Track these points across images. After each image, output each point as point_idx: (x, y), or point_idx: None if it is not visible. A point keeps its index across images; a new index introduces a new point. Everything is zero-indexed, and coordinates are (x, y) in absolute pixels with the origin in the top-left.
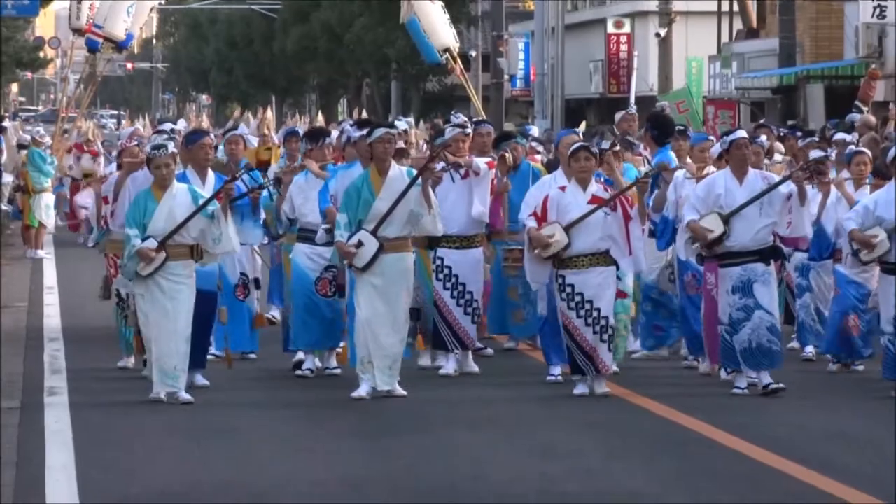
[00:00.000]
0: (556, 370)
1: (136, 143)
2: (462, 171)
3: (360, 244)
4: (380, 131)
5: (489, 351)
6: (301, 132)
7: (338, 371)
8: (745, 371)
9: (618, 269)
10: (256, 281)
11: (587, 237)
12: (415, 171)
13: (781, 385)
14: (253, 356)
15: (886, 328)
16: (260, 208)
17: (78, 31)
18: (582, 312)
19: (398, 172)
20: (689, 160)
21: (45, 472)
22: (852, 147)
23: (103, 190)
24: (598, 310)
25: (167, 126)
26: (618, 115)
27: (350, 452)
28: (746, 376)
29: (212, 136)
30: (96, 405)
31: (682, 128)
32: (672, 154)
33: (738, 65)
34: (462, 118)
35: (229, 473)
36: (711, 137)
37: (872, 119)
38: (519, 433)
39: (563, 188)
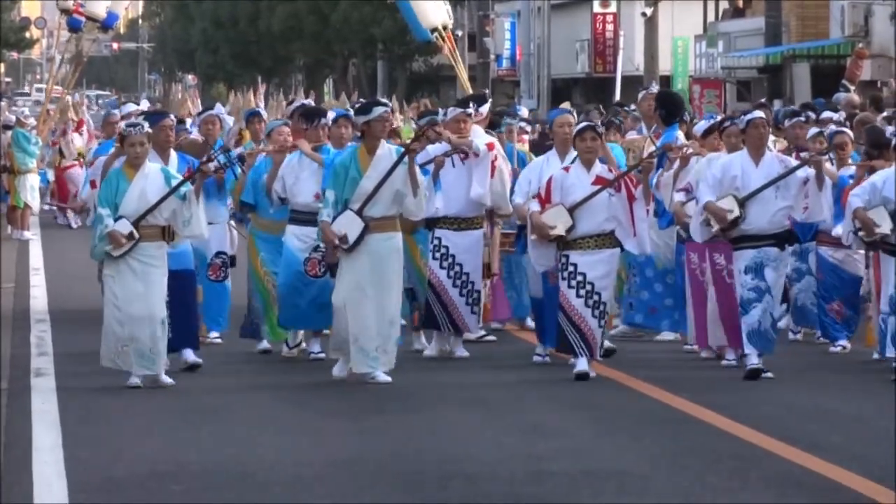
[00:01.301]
0: (543, 350)
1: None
2: (461, 154)
3: (344, 238)
4: (378, 110)
5: (491, 337)
6: (264, 113)
7: (322, 356)
8: (748, 349)
9: (622, 250)
10: (233, 259)
11: (592, 218)
12: (402, 150)
13: (770, 374)
14: (218, 340)
15: (884, 308)
16: (225, 187)
17: (66, 12)
18: (582, 293)
19: (387, 151)
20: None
21: (32, 453)
22: (832, 127)
23: (90, 173)
24: (600, 294)
25: (131, 107)
26: (640, 95)
27: (336, 432)
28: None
29: (171, 117)
30: (83, 386)
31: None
32: (680, 133)
33: (724, 44)
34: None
35: (217, 453)
36: (718, 117)
37: (856, 98)
38: (506, 413)
39: (566, 169)
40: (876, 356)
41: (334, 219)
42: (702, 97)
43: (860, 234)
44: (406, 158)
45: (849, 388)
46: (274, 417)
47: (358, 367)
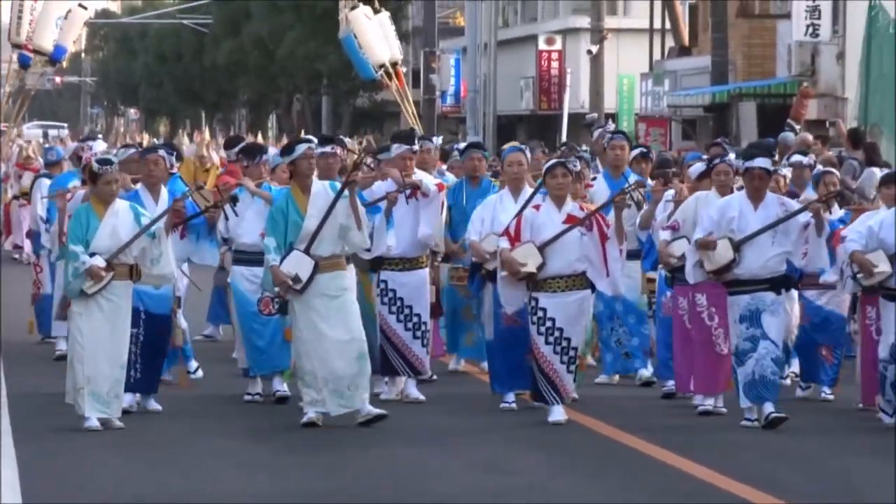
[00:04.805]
0: (510, 397)
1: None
2: (408, 191)
3: (296, 278)
4: (301, 147)
5: (433, 377)
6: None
7: (287, 393)
8: (743, 403)
9: (593, 291)
10: (178, 300)
11: (562, 258)
12: (338, 185)
13: (784, 415)
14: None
15: (883, 355)
16: (217, 228)
17: (18, 47)
18: (551, 339)
19: (321, 188)
20: (677, 182)
21: None
22: (820, 168)
23: (69, 207)
24: (569, 339)
25: (101, 145)
26: (595, 133)
27: (295, 468)
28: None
29: (161, 152)
30: (39, 423)
31: (644, 150)
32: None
33: (671, 82)
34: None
35: (175, 487)
36: (705, 156)
37: (810, 137)
38: (464, 451)
39: (537, 207)
40: (860, 405)
41: (281, 261)
42: (647, 135)
43: (859, 276)
44: (346, 191)
45: (805, 428)
46: (233, 453)
47: (336, 411)
